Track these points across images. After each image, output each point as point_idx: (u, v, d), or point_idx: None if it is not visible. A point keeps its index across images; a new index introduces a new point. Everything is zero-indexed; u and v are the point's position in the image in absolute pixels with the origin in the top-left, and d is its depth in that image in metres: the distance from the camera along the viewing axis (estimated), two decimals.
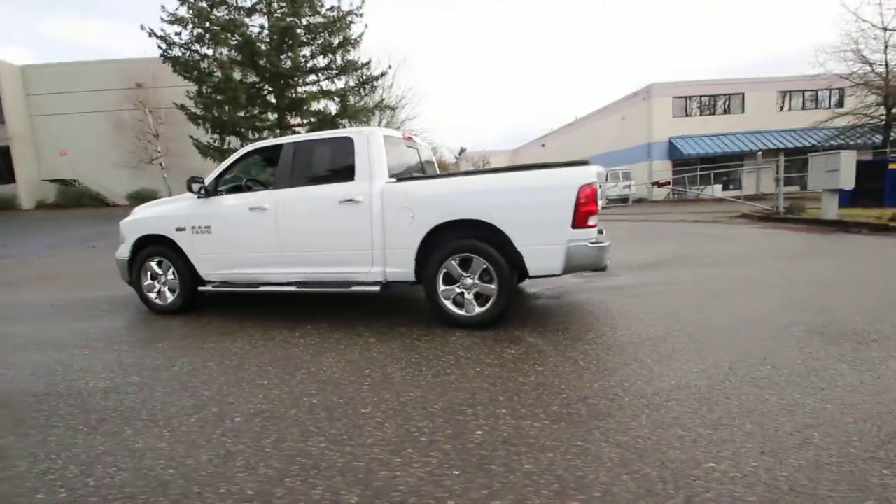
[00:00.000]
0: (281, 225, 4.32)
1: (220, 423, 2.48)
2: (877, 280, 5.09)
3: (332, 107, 19.83)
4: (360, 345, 3.66)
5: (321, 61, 19.48)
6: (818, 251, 7.30)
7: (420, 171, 5.00)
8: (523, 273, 3.84)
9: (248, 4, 18.53)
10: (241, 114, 18.25)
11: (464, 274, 3.91)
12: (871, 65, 20.54)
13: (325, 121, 18.55)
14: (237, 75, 17.40)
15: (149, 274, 5.00)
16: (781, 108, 28.87)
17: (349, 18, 18.77)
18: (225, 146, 18.53)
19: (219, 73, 17.81)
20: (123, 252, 5.07)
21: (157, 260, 4.95)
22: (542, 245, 3.68)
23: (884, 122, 21.14)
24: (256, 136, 18.76)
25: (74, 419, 2.62)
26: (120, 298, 5.90)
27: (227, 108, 17.64)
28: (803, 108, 28.48)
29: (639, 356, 3.15)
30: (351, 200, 4.07)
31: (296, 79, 18.39)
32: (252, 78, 18.45)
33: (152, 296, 5.01)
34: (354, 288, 4.17)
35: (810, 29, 53.69)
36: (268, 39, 18.13)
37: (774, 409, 2.38)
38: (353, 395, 2.76)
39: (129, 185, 27.23)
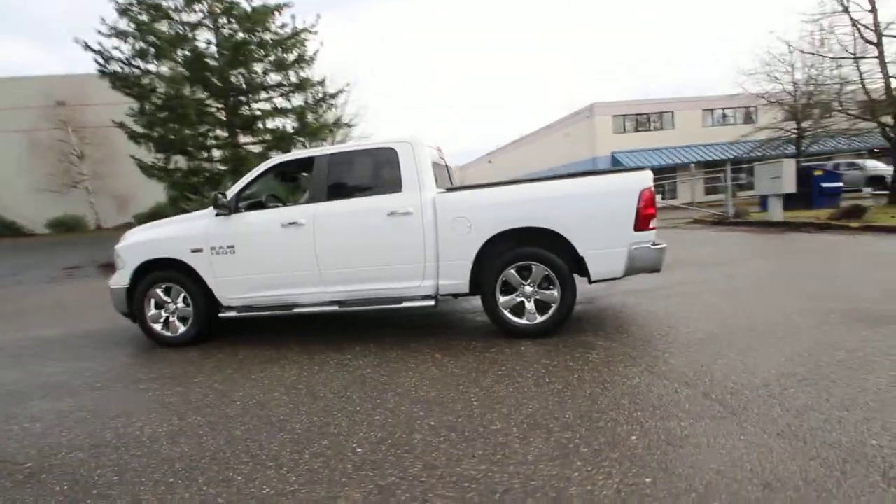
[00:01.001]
0: (319, 241, 4.04)
1: (343, 456, 2.22)
2: (861, 269, 5.64)
3: (289, 125, 19.19)
4: (430, 362, 3.46)
5: (274, 78, 18.87)
6: (790, 249, 7.98)
7: (449, 182, 4.91)
8: (584, 277, 3.85)
9: (193, 20, 17.63)
10: (189, 132, 17.17)
11: (523, 282, 3.85)
12: (781, 84, 23.18)
13: (283, 139, 17.88)
14: (185, 92, 16.38)
15: (153, 302, 4.47)
16: (704, 124, 31.78)
17: (303, 35, 18.39)
18: (171, 165, 17.29)
19: (162, 90, 16.69)
20: (121, 280, 4.49)
21: (163, 287, 4.44)
22: (606, 249, 3.71)
23: (795, 135, 23.85)
24: (205, 154, 17.72)
25: (156, 471, 2.23)
26: (96, 333, 5.22)
27: (174, 125, 16.51)
28: (723, 124, 31.54)
29: (721, 352, 3.23)
30: (400, 213, 3.89)
31: (249, 96, 17.61)
32: (200, 94, 17.44)
33: (157, 327, 4.47)
34: (407, 304, 3.97)
35: (730, 51, 59.76)
36: (217, 55, 17.30)
37: (882, 386, 2.52)
38: (467, 412, 2.59)
39: (49, 212, 24.60)
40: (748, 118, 30.45)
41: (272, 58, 18.28)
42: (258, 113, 18.21)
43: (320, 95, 19.28)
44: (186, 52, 16.13)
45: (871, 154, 25.52)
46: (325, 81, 19.11)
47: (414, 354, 3.67)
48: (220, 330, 4.76)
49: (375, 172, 4.17)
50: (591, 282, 3.85)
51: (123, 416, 2.90)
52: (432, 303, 3.94)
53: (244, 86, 17.60)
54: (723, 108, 30.93)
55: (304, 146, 20.05)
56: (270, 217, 4.24)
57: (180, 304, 4.43)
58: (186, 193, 16.05)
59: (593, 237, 3.70)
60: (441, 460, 2.11)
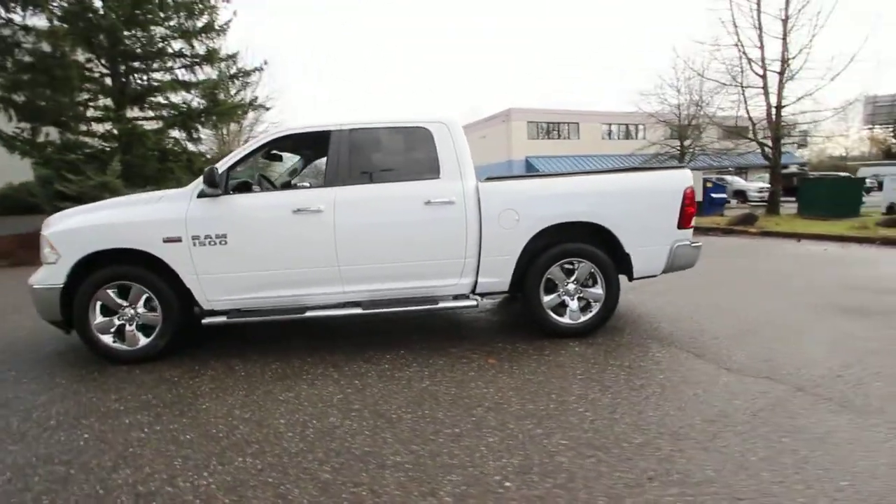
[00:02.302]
0: (341, 231, 3.41)
1: (496, 495, 1.79)
2: (800, 267, 6.43)
3: (194, 100, 16.87)
4: (489, 368, 3.09)
5: (175, 46, 16.46)
6: (718, 249, 8.89)
7: None
8: (626, 275, 3.76)
9: None
10: (66, 99, 14.24)
11: (567, 280, 3.65)
12: (668, 105, 26.29)
13: (189, 116, 15.66)
14: (66, 49, 13.49)
15: (98, 307, 3.43)
16: (604, 137, 34.91)
17: (213, 0, 16.30)
18: (40, 138, 14.19)
19: (30, 45, 13.61)
20: (51, 277, 3.38)
21: (115, 287, 3.43)
22: (650, 246, 3.67)
23: (678, 151, 27.23)
24: (85, 128, 14.85)
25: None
26: (6, 345, 3.93)
27: (45, 90, 13.54)
28: (620, 137, 34.95)
29: (769, 345, 3.35)
30: (440, 202, 3.44)
31: (148, 63, 15.10)
32: (82, 55, 14.55)
33: (107, 339, 3.45)
34: (444, 305, 3.54)
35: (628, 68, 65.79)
36: (105, 9, 14.57)
37: None
38: (589, 426, 2.30)
39: None
40: (642, 134, 34.18)
41: (174, 20, 15.96)
42: (156, 84, 15.74)
43: (234, 71, 17.31)
44: (66, 3, 13.34)
45: (737, 171, 30.12)
46: (237, 56, 17.21)
47: (461, 360, 3.27)
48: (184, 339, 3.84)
49: (407, 154, 3.66)
50: (631, 279, 3.78)
51: (129, 468, 2.10)
52: (474, 302, 3.56)
53: (139, 51, 15.09)
54: (619, 124, 34.24)
55: (215, 127, 17.88)
56: (278, 201, 3.49)
57: (141, 309, 3.46)
58: (63, 172, 13.27)
59: (639, 234, 3.64)
60: (618, 487, 1.81)
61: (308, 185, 4.56)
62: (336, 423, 2.43)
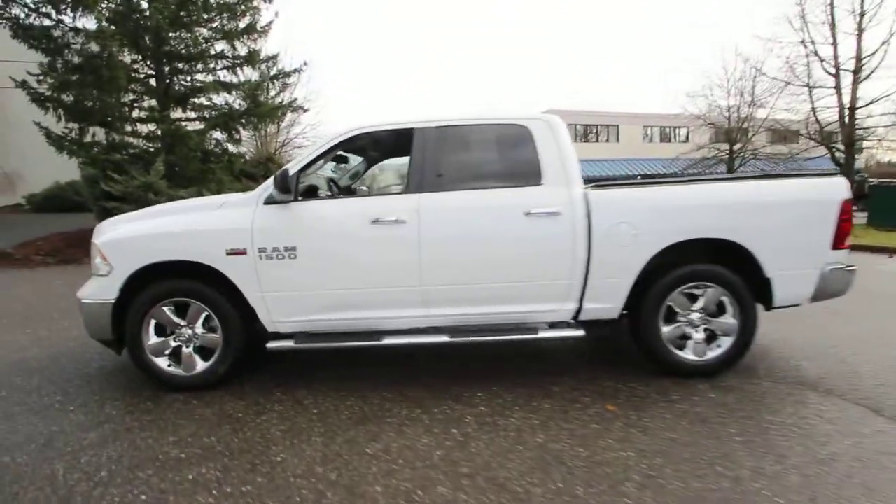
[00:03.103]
0: (427, 246, 2.91)
1: None
2: None
3: (236, 101, 16.88)
4: (607, 417, 2.53)
5: (218, 47, 16.49)
6: None
7: None
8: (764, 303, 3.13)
9: None
10: (112, 99, 14.40)
11: (692, 308, 3.05)
12: (719, 107, 25.01)
13: (231, 118, 15.65)
14: (114, 50, 13.64)
15: (152, 326, 3.04)
16: (645, 139, 33.65)
17: (255, 2, 16.27)
18: (87, 138, 14.39)
19: (78, 46, 13.81)
20: (103, 291, 3.00)
21: (172, 304, 3.03)
22: (796, 269, 3.03)
23: (727, 155, 25.85)
24: (130, 128, 15.00)
25: None
26: (35, 362, 3.60)
27: (93, 90, 13.70)
28: (661, 141, 33.61)
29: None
30: (543, 212, 2.91)
31: (192, 64, 15.15)
32: (128, 56, 14.70)
33: (162, 362, 3.05)
34: (546, 334, 2.99)
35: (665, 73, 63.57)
36: (151, 10, 14.69)
37: None
38: (786, 485, 1.72)
39: None
40: (682, 137, 32.76)
41: (216, 23, 16.00)
42: (199, 85, 15.80)
43: (276, 73, 17.27)
44: (114, 4, 13.48)
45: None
46: (278, 57, 17.14)
47: (572, 405, 2.71)
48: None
49: (503, 157, 3.14)
50: (769, 308, 3.15)
51: None
52: (580, 333, 3.00)
53: (183, 52, 15.17)
54: (663, 126, 32.91)
55: (255, 128, 17.88)
56: (354, 209, 3.02)
57: (200, 330, 3.06)
58: (109, 172, 13.38)
59: (784, 255, 3.00)
60: None
61: (366, 189, 4.12)
62: (447, 495, 1.92)
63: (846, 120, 13.65)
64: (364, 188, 4.06)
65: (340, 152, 3.62)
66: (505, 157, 3.13)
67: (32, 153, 15.16)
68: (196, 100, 15.74)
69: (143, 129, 15.32)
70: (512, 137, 3.10)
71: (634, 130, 32.61)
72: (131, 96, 15.31)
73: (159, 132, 14.77)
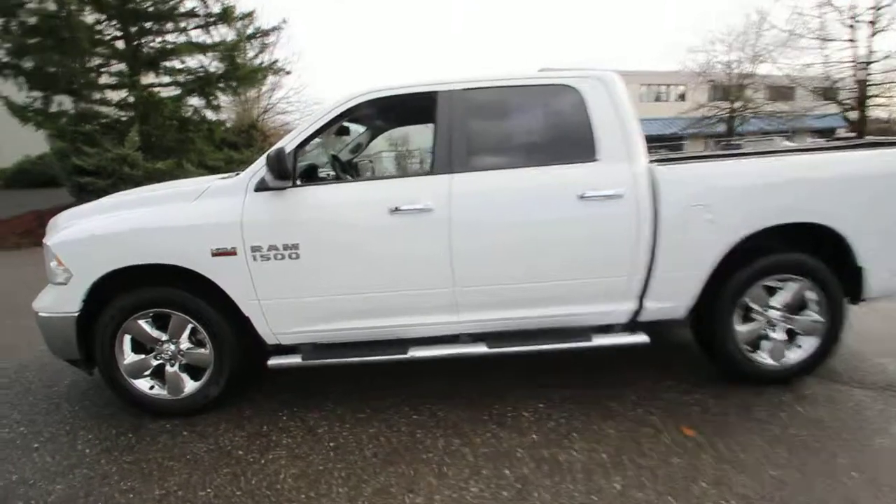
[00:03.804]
0: (460, 238, 2.37)
1: None
2: None
3: (212, 64, 15.65)
4: (688, 447, 2.10)
5: (188, 3, 15.08)
6: None
7: None
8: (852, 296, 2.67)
9: None
10: (76, 64, 13.20)
11: (771, 304, 2.59)
12: (720, 63, 24.10)
13: (207, 82, 14.53)
14: (73, 8, 12.34)
15: (128, 342, 2.51)
16: (640, 99, 32.61)
17: None
18: (53, 108, 13.27)
19: (35, 5, 12.50)
20: (62, 303, 2.45)
21: (149, 316, 2.49)
22: (892, 255, 2.56)
23: (728, 114, 25.17)
24: (100, 96, 13.86)
25: None
26: None
27: (54, 55, 12.51)
28: (657, 100, 32.62)
29: None
30: (600, 195, 2.37)
31: (161, 23, 13.87)
32: (90, 16, 13.38)
33: (142, 384, 2.54)
34: (603, 342, 2.52)
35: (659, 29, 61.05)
36: None
37: None
38: None
39: None
40: (673, 97, 31.76)
41: None
42: (170, 46, 14.54)
43: (251, 31, 15.96)
44: None
45: (786, 136, 27.94)
46: (254, 14, 15.81)
47: (641, 428, 2.27)
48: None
49: (549, 126, 2.56)
50: (856, 301, 2.69)
51: None
52: (645, 340, 2.53)
53: (151, 9, 13.86)
54: (659, 85, 31.85)
55: (235, 93, 16.69)
56: (367, 195, 2.45)
57: (186, 345, 2.53)
58: (80, 145, 12.40)
59: (883, 241, 2.52)
60: None
61: (370, 163, 3.53)
62: None
63: (858, 74, 13.04)
64: (370, 163, 3.47)
65: (345, 123, 3.03)
66: (551, 127, 2.55)
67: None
68: (168, 63, 14.55)
69: (114, 96, 14.19)
70: (559, 102, 2.52)
71: (631, 89, 31.42)
72: (98, 60, 14.09)
73: (131, 99, 13.70)
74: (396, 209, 2.37)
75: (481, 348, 2.50)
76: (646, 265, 2.48)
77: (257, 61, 17.07)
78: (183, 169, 12.67)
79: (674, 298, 2.56)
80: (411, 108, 2.77)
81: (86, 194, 11.90)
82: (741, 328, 2.59)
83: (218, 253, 2.37)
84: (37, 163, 18.44)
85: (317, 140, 2.66)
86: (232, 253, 2.37)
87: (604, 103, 2.47)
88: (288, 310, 2.47)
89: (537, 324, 2.58)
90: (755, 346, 2.64)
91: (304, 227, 2.39)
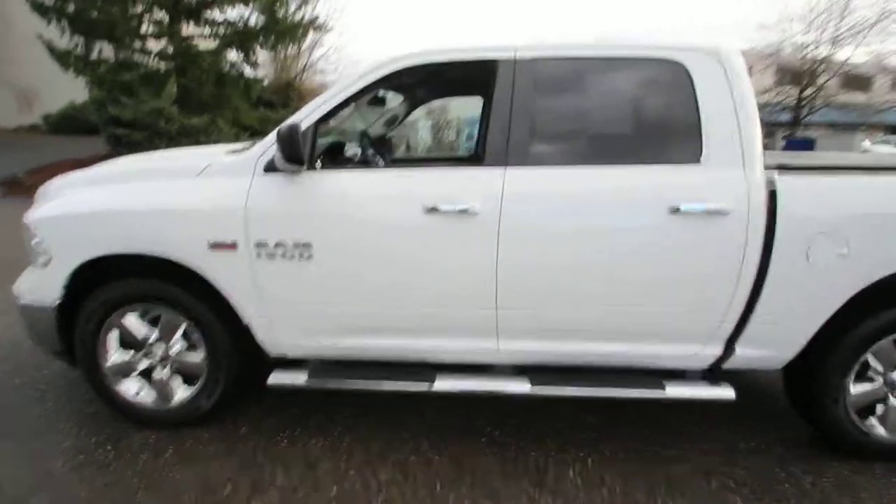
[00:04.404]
0: (510, 249, 1.88)
1: None
2: None
3: (251, 17, 15.14)
4: None
5: None
6: None
7: None
8: None
9: None
10: (117, 10, 12.95)
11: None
12: (792, 45, 21.90)
13: (246, 36, 14.11)
14: None
15: (115, 338, 2.17)
16: None
17: None
18: (94, 56, 13.19)
19: None
20: (43, 290, 2.11)
21: (139, 310, 2.13)
22: None
23: (796, 102, 23.03)
24: (139, 44, 13.66)
25: None
26: None
27: (97, 0, 12.31)
28: None
29: None
30: (700, 210, 1.81)
31: None
32: None
33: (128, 387, 2.21)
34: (679, 393, 2.01)
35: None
36: None
37: None
38: None
39: None
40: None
41: None
42: None
43: None
44: None
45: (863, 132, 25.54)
46: None
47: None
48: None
49: (638, 113, 1.99)
50: None
51: None
52: (730, 393, 2.01)
53: None
54: None
55: (273, 49, 16.20)
56: (398, 188, 1.97)
57: (177, 347, 2.17)
58: (117, 94, 12.31)
59: None
60: None
61: (405, 142, 3.02)
62: None
63: None
64: (405, 141, 2.96)
65: (380, 92, 2.52)
66: (642, 115, 1.97)
67: (48, 69, 14.06)
68: (208, 14, 14.17)
69: (155, 46, 13.98)
70: (655, 81, 1.93)
71: None
72: (140, 7, 13.84)
73: (170, 50, 13.47)
74: (433, 209, 1.88)
75: (522, 386, 2.03)
76: (746, 303, 1.92)
77: (297, 16, 16.49)
78: (217, 126, 12.48)
79: (774, 346, 2.01)
80: (462, 78, 2.25)
81: (121, 146, 11.89)
82: (856, 389, 2.03)
83: (216, 246, 1.95)
84: (81, 109, 18.68)
85: (345, 111, 2.18)
86: (232, 247, 1.95)
87: (718, 86, 1.87)
88: (295, 319, 2.06)
89: (593, 361, 2.08)
90: (867, 411, 2.08)
91: (319, 222, 1.94)
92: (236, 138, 11.40)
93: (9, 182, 11.27)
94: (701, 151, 1.86)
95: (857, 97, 22.51)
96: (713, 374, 2.08)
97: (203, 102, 13.36)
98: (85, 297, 2.11)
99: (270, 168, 1.94)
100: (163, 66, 13.45)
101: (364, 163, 2.43)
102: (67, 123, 19.00)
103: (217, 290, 2.03)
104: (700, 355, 2.04)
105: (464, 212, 1.87)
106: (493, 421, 2.30)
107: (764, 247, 1.85)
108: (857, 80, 23.89)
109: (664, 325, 1.99)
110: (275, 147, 1.89)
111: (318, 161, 2.05)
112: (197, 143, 11.53)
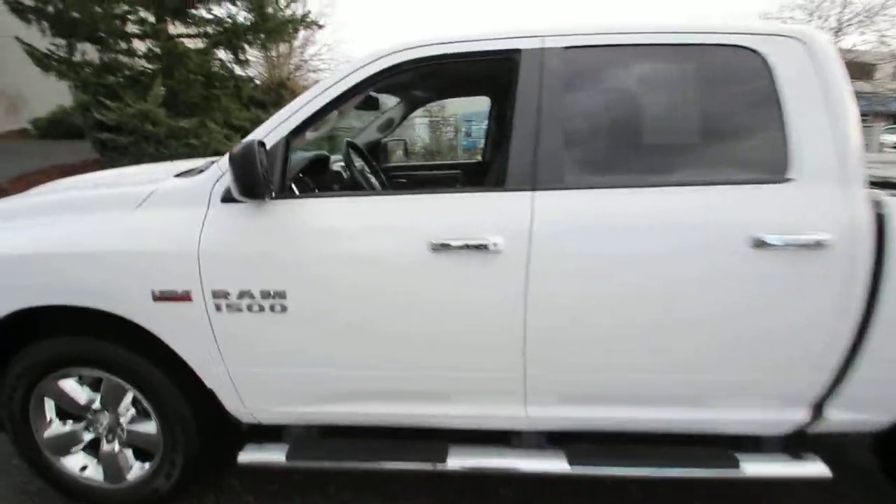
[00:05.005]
0: (542, 297, 1.45)
1: None
2: None
3: (240, 14, 14.63)
4: None
5: None
6: None
7: None
8: None
9: None
10: (100, 9, 12.46)
11: None
12: None
13: (234, 34, 13.60)
14: None
15: (50, 407, 1.76)
16: None
17: None
18: (76, 57, 12.68)
19: None
20: None
21: (75, 375, 1.71)
22: None
23: None
24: (124, 45, 13.16)
25: None
26: None
27: None
28: None
29: None
30: (791, 243, 1.39)
31: None
32: None
33: (72, 463, 1.79)
34: (758, 470, 1.59)
35: None
36: None
37: None
38: None
39: None
40: None
41: None
42: None
43: None
44: None
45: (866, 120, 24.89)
46: None
47: None
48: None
49: (705, 117, 1.55)
50: None
51: None
52: (824, 471, 1.59)
53: None
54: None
55: (264, 47, 15.72)
56: (392, 220, 1.52)
57: (127, 416, 1.75)
58: (101, 98, 11.83)
59: None
60: None
61: (402, 153, 2.63)
62: None
63: None
64: (403, 152, 2.53)
65: (371, 93, 2.08)
66: (710, 119, 1.53)
67: (37, 72, 13.55)
68: (195, 12, 13.66)
69: (141, 47, 13.49)
70: (726, 76, 1.49)
71: None
72: (124, 7, 13.33)
73: (157, 51, 12.98)
74: (442, 245, 1.45)
75: (558, 464, 1.61)
76: (845, 357, 1.51)
77: (288, 12, 15.98)
78: (207, 128, 12.01)
79: (876, 408, 1.59)
80: (474, 72, 1.80)
81: (107, 151, 11.44)
82: None
83: (163, 297, 1.53)
84: (70, 113, 18.19)
85: (326, 116, 1.74)
86: (183, 298, 1.52)
87: (805, 81, 1.44)
88: (268, 384, 1.64)
89: (645, 428, 1.67)
90: None
91: (295, 265, 1.51)
92: (227, 140, 10.97)
93: None
94: (787, 166, 1.43)
95: (863, 87, 21.89)
96: (795, 442, 1.66)
97: (192, 104, 12.89)
98: (7, 352, 1.70)
99: (228, 198, 1.52)
100: (150, 67, 12.97)
101: (352, 186, 1.99)
102: (57, 128, 18.52)
103: (171, 349, 1.61)
104: (780, 421, 1.61)
105: (483, 248, 1.44)
106: (519, 492, 1.89)
107: (871, 287, 1.43)
108: (862, 69, 23.28)
109: (739, 387, 1.56)
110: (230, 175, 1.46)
111: (293, 184, 1.63)
112: (187, 146, 11.10)
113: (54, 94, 17.38)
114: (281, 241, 1.51)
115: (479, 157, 4.08)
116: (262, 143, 1.36)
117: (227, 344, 1.57)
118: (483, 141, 3.37)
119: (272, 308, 1.51)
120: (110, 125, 11.58)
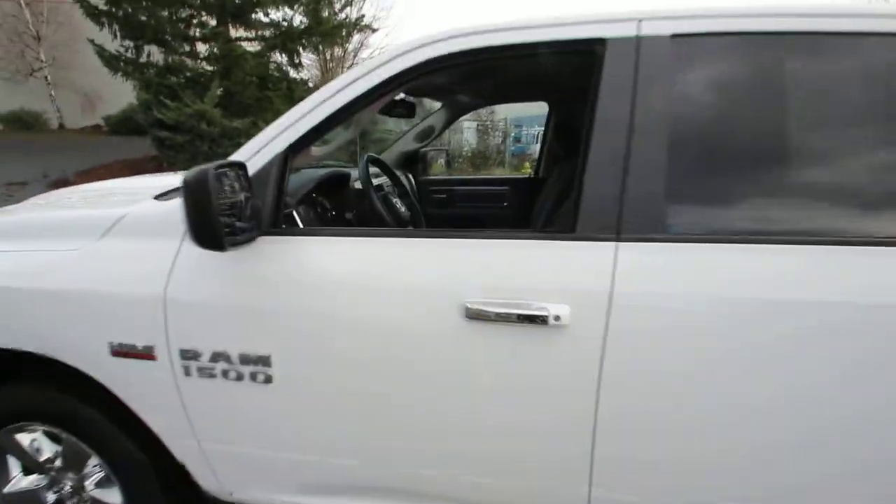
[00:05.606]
0: (623, 390, 1.01)
1: None
2: None
3: (295, 17, 14.88)
4: None
5: None
6: None
7: None
8: None
9: None
10: (166, 13, 13.03)
11: None
12: None
13: (290, 37, 13.82)
14: None
15: (13, 461, 1.49)
16: None
17: None
18: (143, 58, 13.30)
19: None
20: None
21: (33, 434, 1.42)
22: None
23: None
24: (187, 48, 13.66)
25: None
26: None
27: (147, 3, 12.36)
28: None
29: None
30: None
31: None
32: None
33: None
34: None
35: None
36: None
37: None
38: None
39: (2, 103, 20.21)
40: None
41: None
42: None
43: None
44: None
45: None
46: None
47: None
48: None
49: (868, 140, 1.06)
50: None
51: None
52: None
53: None
54: None
55: (317, 50, 15.94)
56: (414, 274, 1.12)
57: (95, 477, 1.45)
58: (162, 98, 12.30)
59: None
60: None
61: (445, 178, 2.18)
62: None
63: None
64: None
65: (402, 95, 1.68)
66: (880, 144, 1.03)
67: (109, 73, 14.41)
68: (254, 15, 14.02)
69: (203, 49, 13.99)
70: None
71: None
72: (189, 11, 13.88)
73: (215, 52, 13.41)
74: (480, 312, 1.03)
75: None
76: None
77: (342, 16, 16.13)
78: (258, 128, 12.19)
79: None
80: (537, 70, 1.35)
81: (164, 148, 11.87)
82: None
83: (121, 352, 1.20)
84: (139, 110, 19.30)
85: (334, 127, 1.37)
86: (146, 356, 1.19)
87: None
88: (246, 465, 1.28)
89: None
90: None
91: (284, 324, 1.13)
92: None
93: (61, 182, 11.45)
94: None
95: None
96: None
97: (245, 105, 13.20)
98: None
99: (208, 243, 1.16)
100: (209, 68, 13.43)
101: (369, 215, 1.58)
102: (126, 125, 19.71)
103: (132, 411, 1.28)
104: None
105: (540, 320, 1.01)
106: None
107: None
108: None
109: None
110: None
111: (296, 214, 1.26)
112: (238, 145, 11.31)
113: (126, 93, 18.46)
114: (268, 291, 1.14)
115: (531, 171, 3.62)
116: (237, 166, 0.99)
117: (197, 415, 1.22)
118: (537, 149, 2.93)
119: (253, 377, 1.15)
120: (169, 124, 12.00)
